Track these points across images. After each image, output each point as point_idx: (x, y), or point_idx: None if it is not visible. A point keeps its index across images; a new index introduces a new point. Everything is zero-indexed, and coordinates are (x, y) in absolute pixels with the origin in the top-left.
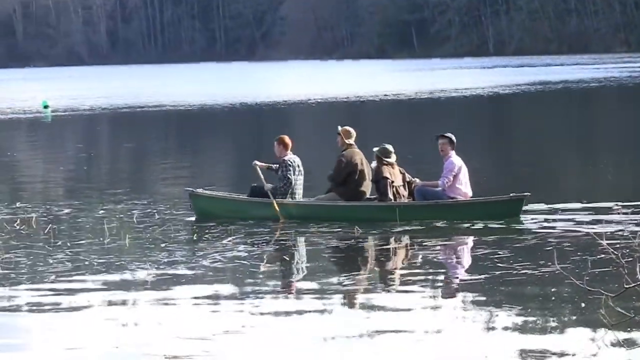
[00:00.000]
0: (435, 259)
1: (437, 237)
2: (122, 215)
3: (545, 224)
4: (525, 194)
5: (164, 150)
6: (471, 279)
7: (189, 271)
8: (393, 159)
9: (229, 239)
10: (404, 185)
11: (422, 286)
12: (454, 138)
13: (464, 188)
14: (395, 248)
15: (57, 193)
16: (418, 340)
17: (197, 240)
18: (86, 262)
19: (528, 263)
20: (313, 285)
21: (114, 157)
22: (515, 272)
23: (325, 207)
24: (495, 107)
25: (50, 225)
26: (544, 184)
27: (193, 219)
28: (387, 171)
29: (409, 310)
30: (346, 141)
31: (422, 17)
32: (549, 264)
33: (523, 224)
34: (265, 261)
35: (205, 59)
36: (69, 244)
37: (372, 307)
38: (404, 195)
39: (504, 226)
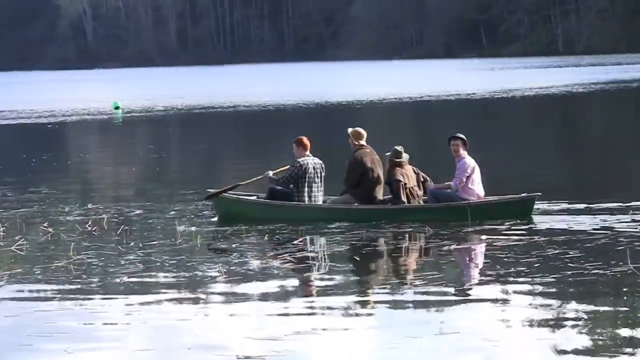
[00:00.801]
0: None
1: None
2: (193, 216)
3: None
4: (537, 193)
5: (236, 151)
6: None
7: (259, 271)
8: (404, 159)
9: (300, 239)
10: (418, 185)
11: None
12: (465, 139)
13: (477, 188)
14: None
15: (128, 194)
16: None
17: (268, 240)
18: (157, 263)
19: (599, 263)
20: (381, 283)
21: (185, 157)
22: (586, 272)
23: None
24: (573, 106)
25: (122, 226)
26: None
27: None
28: (399, 173)
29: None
30: (356, 142)
31: (491, 16)
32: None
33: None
34: (338, 261)
35: (274, 59)
36: (140, 245)
37: (439, 308)
38: (418, 195)
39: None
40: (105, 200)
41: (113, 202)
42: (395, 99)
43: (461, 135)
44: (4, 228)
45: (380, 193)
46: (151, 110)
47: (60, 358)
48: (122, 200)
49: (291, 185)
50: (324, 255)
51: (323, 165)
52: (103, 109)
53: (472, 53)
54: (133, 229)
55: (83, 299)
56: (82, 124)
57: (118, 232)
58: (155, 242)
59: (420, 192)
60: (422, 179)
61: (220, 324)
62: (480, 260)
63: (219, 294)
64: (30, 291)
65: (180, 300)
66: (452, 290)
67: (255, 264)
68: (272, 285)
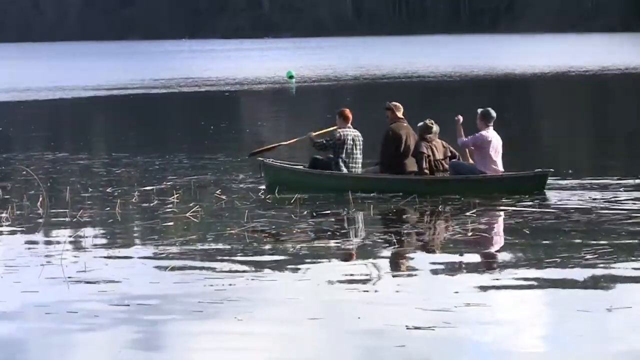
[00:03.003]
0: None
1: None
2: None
3: None
4: (549, 169)
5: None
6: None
7: (428, 242)
8: (433, 133)
9: (472, 211)
10: (445, 159)
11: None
12: (492, 114)
13: (496, 163)
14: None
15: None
16: None
17: (440, 211)
18: (329, 232)
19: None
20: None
21: (359, 127)
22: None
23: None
24: None
25: (295, 195)
26: None
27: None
28: (424, 146)
29: None
30: (395, 115)
31: None
32: None
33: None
34: (506, 235)
35: (449, 31)
36: (313, 214)
37: (609, 283)
38: (444, 169)
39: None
40: None
41: None
42: (573, 71)
43: (482, 110)
44: (178, 195)
45: (411, 165)
46: (325, 80)
47: (230, 325)
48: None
49: (330, 155)
50: (496, 230)
51: (361, 138)
52: (277, 77)
53: None
54: (305, 197)
55: (254, 267)
56: (257, 93)
57: (291, 201)
58: (328, 212)
59: (447, 166)
60: (449, 154)
61: (389, 294)
62: None
63: (388, 263)
64: (203, 258)
65: (350, 270)
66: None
67: (425, 235)
68: (440, 257)
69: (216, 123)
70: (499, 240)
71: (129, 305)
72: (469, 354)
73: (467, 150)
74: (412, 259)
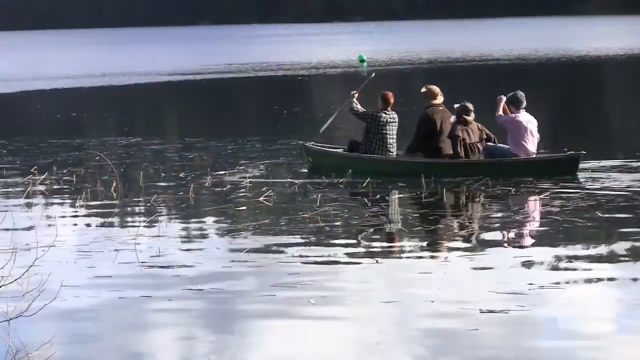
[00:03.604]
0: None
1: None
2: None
3: None
4: (581, 152)
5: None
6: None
7: (502, 224)
8: (471, 117)
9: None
10: (481, 142)
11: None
12: (520, 98)
13: (529, 146)
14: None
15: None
16: None
17: (516, 194)
18: (401, 216)
19: None
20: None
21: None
22: None
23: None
24: None
25: (368, 179)
26: None
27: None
28: (459, 129)
29: None
30: (428, 101)
31: None
32: None
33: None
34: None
35: (519, 14)
36: (386, 198)
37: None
38: (480, 152)
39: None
40: None
41: None
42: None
43: (509, 95)
44: (250, 179)
45: (447, 148)
46: (397, 64)
47: (303, 308)
48: None
49: (362, 138)
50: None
51: (397, 121)
52: (349, 61)
53: None
54: (378, 181)
55: (327, 251)
56: (330, 77)
57: (363, 185)
58: (402, 195)
59: (482, 149)
60: (484, 136)
61: (462, 277)
62: None
63: (461, 247)
64: (275, 242)
65: (422, 254)
66: None
67: (498, 216)
68: (512, 239)
69: (289, 107)
70: (558, 223)
71: (202, 289)
72: (543, 337)
73: (500, 116)
74: (483, 243)
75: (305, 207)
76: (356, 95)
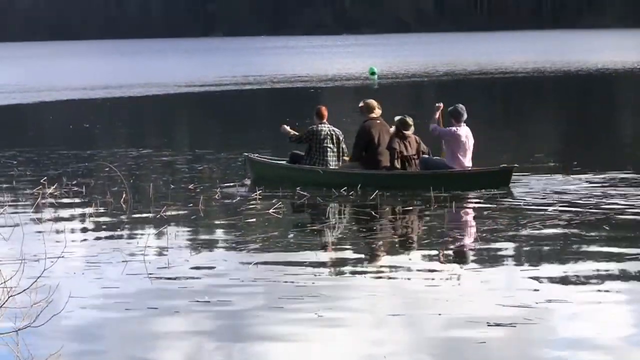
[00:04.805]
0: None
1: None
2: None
3: None
4: (514, 165)
5: (489, 119)
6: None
7: (517, 238)
8: (410, 130)
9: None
10: (417, 155)
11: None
12: (461, 111)
13: (464, 159)
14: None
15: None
16: None
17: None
18: (409, 228)
19: None
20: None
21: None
22: None
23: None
24: None
25: (376, 191)
26: None
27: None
28: (396, 142)
29: None
30: (366, 114)
31: None
32: None
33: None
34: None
35: (531, 27)
36: (396, 210)
37: None
38: (416, 164)
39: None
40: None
41: None
42: None
43: (452, 108)
44: (260, 191)
45: (385, 160)
46: (407, 76)
47: (310, 320)
48: None
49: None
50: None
51: (339, 134)
52: (359, 74)
53: None
54: (387, 194)
55: (335, 263)
56: (340, 89)
57: (371, 197)
58: (411, 208)
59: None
60: (422, 150)
61: (471, 290)
62: None
63: (468, 260)
64: (284, 254)
65: (430, 266)
66: None
67: (511, 230)
68: (524, 252)
69: (302, 119)
70: (567, 234)
71: (210, 302)
72: (551, 350)
73: (442, 144)
74: (492, 254)
75: (315, 219)
76: (287, 127)
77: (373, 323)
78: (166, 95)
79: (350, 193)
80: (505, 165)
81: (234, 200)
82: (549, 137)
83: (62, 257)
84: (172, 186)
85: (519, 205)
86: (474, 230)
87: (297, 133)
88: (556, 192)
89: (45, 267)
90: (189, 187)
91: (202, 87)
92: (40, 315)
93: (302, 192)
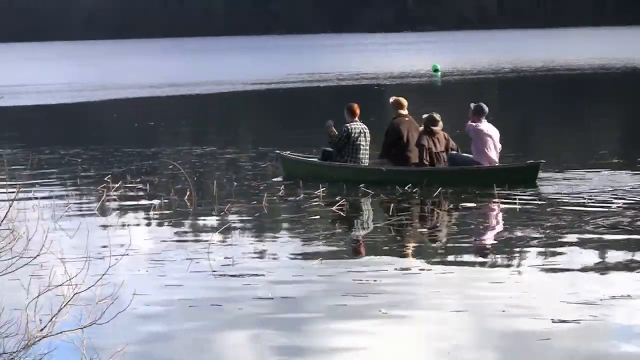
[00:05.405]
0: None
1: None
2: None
3: None
4: (541, 161)
5: (554, 116)
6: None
7: (575, 236)
8: (438, 127)
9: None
10: (446, 151)
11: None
12: (483, 108)
13: (491, 154)
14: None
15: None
16: None
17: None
18: (472, 226)
19: None
20: None
21: (508, 120)
22: None
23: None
24: None
25: (439, 188)
26: None
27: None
28: (424, 138)
29: None
30: (396, 111)
31: None
32: None
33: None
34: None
35: (593, 24)
36: (459, 207)
37: None
38: (445, 161)
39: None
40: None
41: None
42: None
43: (473, 105)
44: (324, 188)
45: (414, 157)
46: (473, 73)
47: (375, 316)
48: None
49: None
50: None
51: (368, 131)
52: (423, 71)
53: None
54: (450, 191)
55: (399, 261)
56: (403, 86)
57: (434, 195)
58: (473, 205)
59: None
60: (450, 146)
61: (535, 287)
62: None
63: (531, 256)
64: (347, 252)
65: (494, 263)
66: None
67: (574, 227)
68: (587, 248)
69: (365, 116)
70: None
71: (272, 298)
72: (616, 346)
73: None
74: (555, 250)
75: (378, 216)
76: (332, 124)
77: (437, 319)
78: (232, 92)
79: (414, 190)
80: (532, 161)
81: (298, 198)
82: (618, 134)
83: (127, 254)
84: (236, 183)
85: (580, 201)
86: (536, 226)
87: (336, 133)
88: (620, 189)
89: (110, 265)
90: (253, 184)
91: (269, 84)
92: (105, 313)
93: (366, 190)
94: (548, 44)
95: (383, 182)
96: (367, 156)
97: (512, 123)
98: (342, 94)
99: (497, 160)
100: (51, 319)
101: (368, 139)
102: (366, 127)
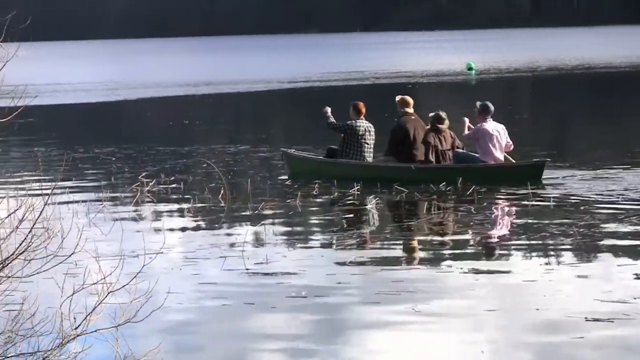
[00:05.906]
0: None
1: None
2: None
3: None
4: (546, 159)
5: (590, 114)
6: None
7: (605, 232)
8: (445, 125)
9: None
10: (452, 149)
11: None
12: (489, 107)
13: (496, 153)
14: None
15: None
16: None
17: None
18: (506, 224)
19: None
20: None
21: (544, 118)
22: None
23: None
24: None
25: (473, 186)
26: None
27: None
28: (431, 136)
29: None
30: (401, 110)
31: None
32: None
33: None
34: None
35: (627, 22)
36: (492, 206)
37: None
38: (450, 159)
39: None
40: None
41: None
42: None
43: (479, 103)
44: (358, 187)
45: (420, 155)
46: (506, 71)
47: (407, 314)
48: None
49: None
50: None
51: (372, 129)
52: (458, 69)
53: None
54: (482, 190)
55: (432, 258)
56: (437, 85)
57: (468, 192)
58: (508, 203)
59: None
60: (457, 145)
61: (568, 285)
62: None
63: (567, 255)
64: (381, 249)
65: (526, 261)
66: None
67: (607, 224)
68: (620, 247)
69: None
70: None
71: (306, 297)
72: None
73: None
74: (588, 249)
75: (413, 215)
76: (329, 110)
77: (470, 318)
78: (267, 91)
79: (448, 189)
80: (537, 159)
81: (332, 196)
82: None
83: (161, 252)
84: (270, 182)
85: (613, 199)
86: (569, 225)
87: (335, 121)
88: None
89: (144, 263)
90: (287, 183)
91: (306, 82)
92: (140, 311)
93: (400, 188)
94: (583, 42)
95: (385, 179)
96: (371, 154)
97: (547, 121)
98: (379, 92)
99: (502, 158)
100: (85, 317)
101: (373, 137)
102: (371, 125)
